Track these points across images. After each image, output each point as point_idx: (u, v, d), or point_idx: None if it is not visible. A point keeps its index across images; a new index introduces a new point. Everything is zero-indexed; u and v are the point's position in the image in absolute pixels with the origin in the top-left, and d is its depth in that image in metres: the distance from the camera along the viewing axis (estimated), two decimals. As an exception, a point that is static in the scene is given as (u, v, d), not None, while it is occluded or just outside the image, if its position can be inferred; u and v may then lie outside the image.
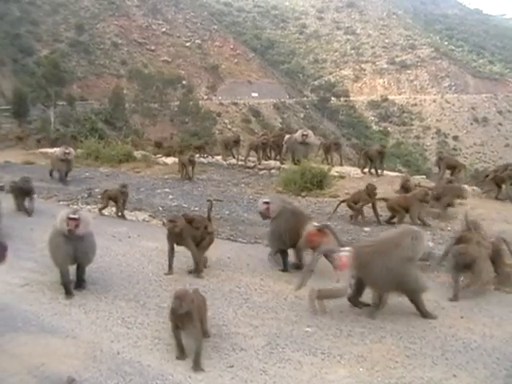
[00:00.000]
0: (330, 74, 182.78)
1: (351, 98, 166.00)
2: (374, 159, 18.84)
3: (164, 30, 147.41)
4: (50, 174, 20.27)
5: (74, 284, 9.29)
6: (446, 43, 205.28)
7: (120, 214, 14.70)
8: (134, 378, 6.60)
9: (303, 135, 19.73)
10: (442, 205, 14.29)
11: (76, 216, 9.03)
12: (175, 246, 10.28)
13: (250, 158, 21.64)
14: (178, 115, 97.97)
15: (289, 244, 10.59)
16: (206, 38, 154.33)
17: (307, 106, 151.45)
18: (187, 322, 6.95)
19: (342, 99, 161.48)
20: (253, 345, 7.41)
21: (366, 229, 13.12)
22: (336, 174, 18.65)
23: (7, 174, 21.29)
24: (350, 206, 14.12)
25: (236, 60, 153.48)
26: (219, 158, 22.71)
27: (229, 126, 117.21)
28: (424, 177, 19.06)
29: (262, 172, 20.45)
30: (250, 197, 16.57)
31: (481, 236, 9.64)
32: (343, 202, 14.33)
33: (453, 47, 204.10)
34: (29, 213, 14.79)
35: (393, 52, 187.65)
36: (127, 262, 10.72)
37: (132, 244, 11.73)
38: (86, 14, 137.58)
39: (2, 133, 39.12)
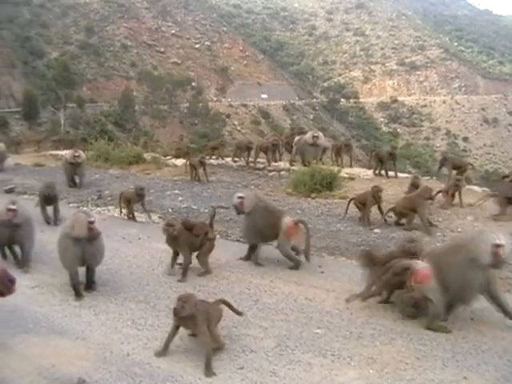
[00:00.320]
0: (340, 75, 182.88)
1: (361, 100, 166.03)
2: (384, 161, 18.80)
3: (173, 31, 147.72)
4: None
5: (83, 286, 9.31)
6: (456, 44, 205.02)
7: (131, 215, 14.68)
8: (144, 379, 6.60)
9: (314, 137, 19.67)
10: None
11: (93, 219, 9.15)
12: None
13: (260, 160, 21.61)
14: (187, 117, 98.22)
15: (263, 239, 10.98)
16: (216, 40, 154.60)
17: (317, 108, 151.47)
18: (191, 325, 7.05)
19: (351, 101, 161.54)
20: (263, 346, 7.40)
21: (376, 230, 13.09)
22: (346, 175, 18.60)
23: (17, 175, 21.37)
24: (357, 206, 14.11)
25: (245, 62, 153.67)
26: (229, 159, 22.68)
27: (238, 128, 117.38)
28: (434, 178, 18.97)
29: (271, 173, 20.41)
30: (260, 198, 16.57)
31: None
32: (352, 199, 14.32)
33: (462, 48, 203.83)
34: (50, 222, 13.93)
35: (402, 53, 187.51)
36: (137, 264, 10.73)
37: (142, 246, 11.74)
38: (96, 16, 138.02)
39: (12, 135, 39.18)
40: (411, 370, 6.78)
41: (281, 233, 10.59)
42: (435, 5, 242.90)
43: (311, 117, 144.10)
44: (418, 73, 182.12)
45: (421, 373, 6.73)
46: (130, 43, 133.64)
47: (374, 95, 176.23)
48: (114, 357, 7.13)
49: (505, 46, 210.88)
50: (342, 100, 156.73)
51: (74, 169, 19.01)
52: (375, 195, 13.83)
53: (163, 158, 24.18)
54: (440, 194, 15.10)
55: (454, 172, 18.03)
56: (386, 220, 13.85)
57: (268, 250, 11.50)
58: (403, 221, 13.68)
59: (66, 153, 21.89)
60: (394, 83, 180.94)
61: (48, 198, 13.95)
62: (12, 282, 5.99)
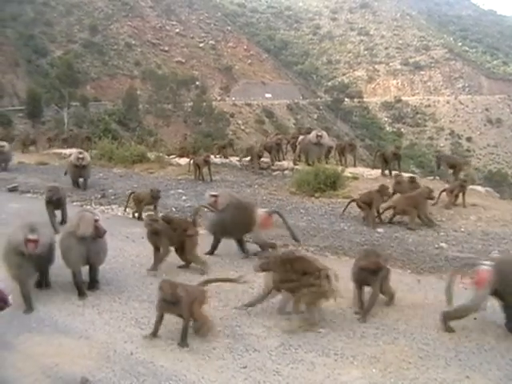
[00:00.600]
0: (344, 74, 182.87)
1: (365, 99, 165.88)
2: (389, 161, 18.81)
3: (178, 30, 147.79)
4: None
5: (87, 285, 9.32)
6: (460, 44, 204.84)
7: (139, 216, 14.63)
8: (148, 378, 6.61)
9: (317, 136, 19.67)
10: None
11: (98, 217, 9.16)
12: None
13: (263, 159, 21.60)
14: (191, 116, 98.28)
15: (234, 234, 11.32)
16: (220, 39, 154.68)
17: (321, 107, 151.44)
18: (176, 309, 7.46)
19: (355, 100, 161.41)
20: (266, 346, 7.41)
21: (380, 230, 13.09)
22: (349, 175, 18.60)
23: (21, 174, 21.40)
24: (360, 206, 14.09)
25: (249, 61, 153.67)
26: (233, 159, 22.68)
27: (242, 127, 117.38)
28: (438, 177, 18.97)
29: (275, 173, 20.42)
30: (264, 197, 16.55)
31: None
32: (353, 201, 14.31)
33: (467, 48, 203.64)
34: (57, 230, 12.17)
35: (406, 53, 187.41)
36: (141, 263, 10.73)
37: (146, 245, 11.71)
38: (100, 14, 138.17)
39: (15, 133, 38.94)
40: (414, 370, 6.79)
41: (256, 225, 11.02)
42: (439, 5, 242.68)
43: (315, 116, 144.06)
44: (422, 73, 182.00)
45: (424, 372, 6.74)
46: (134, 42, 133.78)
47: (378, 95, 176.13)
48: (117, 356, 7.14)
49: (509, 46, 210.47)
50: (346, 99, 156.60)
51: (78, 171, 18.42)
52: (383, 193, 13.81)
53: (167, 157, 24.18)
54: (444, 194, 15.09)
55: (451, 171, 18.11)
56: (381, 219, 13.87)
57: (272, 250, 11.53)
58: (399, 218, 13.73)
59: (70, 151, 21.87)
60: (398, 83, 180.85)
61: (53, 202, 13.41)
62: (5, 301, 6.11)
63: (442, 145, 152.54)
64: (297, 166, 19.99)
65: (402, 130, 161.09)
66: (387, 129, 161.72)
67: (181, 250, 10.56)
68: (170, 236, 10.34)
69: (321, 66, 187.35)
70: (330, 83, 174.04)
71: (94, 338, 7.60)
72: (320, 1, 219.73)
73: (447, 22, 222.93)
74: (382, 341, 7.54)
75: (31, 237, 8.36)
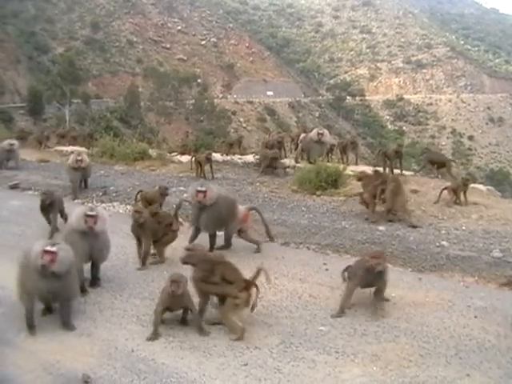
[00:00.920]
0: (346, 72, 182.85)
1: (367, 97, 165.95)
2: (391, 159, 18.79)
3: (179, 28, 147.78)
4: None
5: (88, 282, 9.33)
6: (462, 42, 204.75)
7: None
8: (149, 375, 6.64)
9: (319, 134, 19.65)
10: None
11: (94, 213, 9.11)
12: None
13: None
14: (193, 114, 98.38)
15: (222, 227, 11.45)
16: (222, 37, 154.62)
17: (322, 105, 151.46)
18: (181, 303, 7.68)
19: (357, 98, 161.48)
20: (267, 343, 7.43)
21: (381, 228, 13.08)
22: (351, 173, 18.58)
23: (22, 171, 21.37)
24: (365, 201, 14.13)
25: (251, 58, 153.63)
26: (234, 156, 22.66)
27: (244, 125, 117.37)
28: (439, 176, 18.94)
29: (276, 170, 20.42)
30: (265, 195, 16.52)
31: None
32: (361, 194, 14.37)
33: (469, 47, 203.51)
34: (56, 230, 12.57)
35: (409, 51, 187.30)
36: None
37: (147, 242, 11.76)
38: (102, 11, 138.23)
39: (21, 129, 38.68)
40: (415, 368, 6.81)
41: (236, 219, 11.28)
42: (442, 3, 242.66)
43: (317, 114, 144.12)
44: (424, 71, 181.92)
45: (424, 370, 6.76)
46: (135, 39, 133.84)
47: (380, 93, 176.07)
48: (118, 353, 7.17)
49: (511, 44, 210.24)
50: (348, 98, 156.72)
51: (78, 174, 17.38)
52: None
53: (169, 154, 24.16)
54: (445, 192, 15.09)
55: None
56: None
57: (272, 247, 11.55)
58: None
59: (72, 149, 21.78)
60: (400, 81, 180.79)
61: (45, 206, 12.78)
62: None
63: (443, 143, 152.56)
64: (298, 164, 19.97)
65: (404, 128, 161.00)
66: (389, 127, 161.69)
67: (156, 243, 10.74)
68: (155, 229, 10.48)
69: (323, 63, 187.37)
70: (331, 81, 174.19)
71: (96, 336, 7.63)
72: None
73: (449, 21, 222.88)
74: (382, 339, 7.56)
75: (49, 248, 7.60)
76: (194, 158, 20.04)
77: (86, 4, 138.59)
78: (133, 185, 17.97)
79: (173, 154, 24.21)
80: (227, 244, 11.47)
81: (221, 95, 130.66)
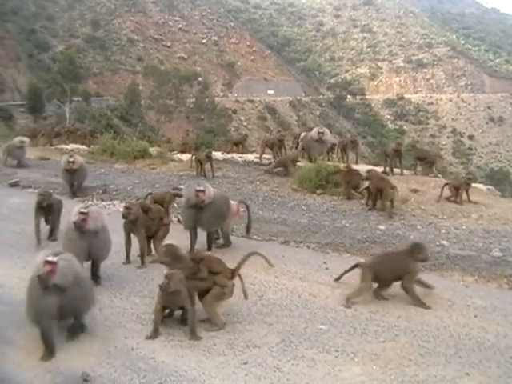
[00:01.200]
0: (347, 71, 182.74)
1: (367, 97, 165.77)
2: (390, 157, 18.81)
3: (180, 26, 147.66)
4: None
5: (88, 280, 9.32)
6: (463, 42, 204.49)
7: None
8: (148, 374, 6.64)
9: (319, 133, 19.65)
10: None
11: (85, 211, 9.11)
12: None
13: (265, 156, 21.61)
14: (193, 112, 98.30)
15: (222, 224, 11.63)
16: (223, 35, 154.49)
17: (323, 104, 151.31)
18: (177, 301, 7.61)
19: (358, 97, 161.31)
20: (267, 342, 7.44)
21: (381, 227, 13.09)
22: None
23: (22, 169, 21.39)
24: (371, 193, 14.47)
25: (252, 57, 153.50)
26: (235, 155, 22.67)
27: (244, 124, 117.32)
28: (440, 176, 18.98)
29: (277, 169, 20.42)
30: (265, 194, 16.53)
31: None
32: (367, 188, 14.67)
33: (469, 46, 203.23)
34: (40, 240, 11.68)
35: (409, 50, 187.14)
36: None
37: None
38: (102, 9, 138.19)
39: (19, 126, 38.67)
40: (414, 366, 6.83)
41: (229, 214, 11.49)
42: (443, 2, 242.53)
43: (317, 113, 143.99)
44: (425, 70, 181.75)
45: (424, 369, 6.77)
46: (136, 37, 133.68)
47: (381, 92, 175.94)
48: (118, 351, 7.17)
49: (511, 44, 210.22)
50: (349, 96, 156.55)
51: (70, 176, 17.00)
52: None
53: (169, 152, 24.17)
54: (446, 188, 15.12)
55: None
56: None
57: (273, 247, 11.56)
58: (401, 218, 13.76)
59: (72, 147, 21.78)
60: (400, 80, 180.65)
61: (43, 209, 12.06)
62: None
63: (444, 142, 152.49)
64: (299, 163, 19.97)
65: (404, 127, 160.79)
66: (389, 126, 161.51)
67: (151, 238, 10.87)
68: (148, 225, 10.58)
69: (323, 62, 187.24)
70: (332, 80, 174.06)
71: (95, 334, 7.62)
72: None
73: (450, 20, 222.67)
74: (382, 338, 7.57)
75: (50, 259, 7.01)
76: (194, 157, 20.04)
77: (86, 2, 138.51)
78: (133, 183, 18.00)
79: (173, 152, 24.23)
80: (227, 242, 11.48)
81: (221, 94, 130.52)
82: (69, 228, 9.31)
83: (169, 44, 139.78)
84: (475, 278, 9.79)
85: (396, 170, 18.38)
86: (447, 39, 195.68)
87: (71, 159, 16.63)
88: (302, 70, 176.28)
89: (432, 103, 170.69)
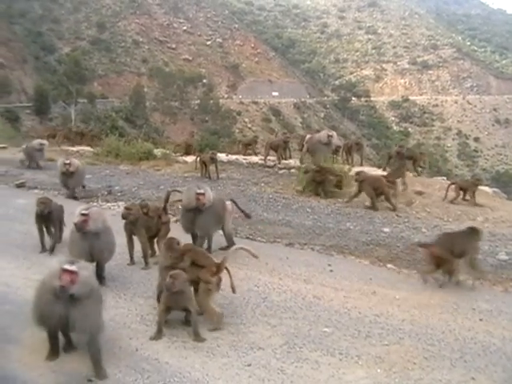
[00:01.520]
0: (351, 73, 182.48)
1: (372, 98, 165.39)
2: (394, 160, 18.82)
3: (185, 28, 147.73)
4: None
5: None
6: (469, 43, 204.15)
7: None
8: (152, 375, 6.63)
9: (329, 136, 19.51)
10: None
11: (86, 212, 9.11)
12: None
13: (270, 158, 21.63)
14: (198, 114, 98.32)
15: (220, 227, 11.62)
16: (227, 37, 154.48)
17: (328, 106, 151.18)
18: (181, 301, 7.56)
19: (362, 99, 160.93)
20: (270, 344, 7.42)
21: (386, 229, 13.08)
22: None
23: (28, 170, 21.47)
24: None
25: (257, 59, 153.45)
26: (239, 156, 22.70)
27: (249, 125, 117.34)
28: (445, 178, 18.99)
29: (281, 171, 20.41)
30: (270, 196, 16.53)
31: None
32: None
33: (475, 48, 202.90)
34: (45, 249, 11.35)
35: (414, 52, 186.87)
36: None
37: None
38: (108, 12, 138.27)
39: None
40: (419, 370, 6.79)
41: (227, 214, 11.49)
42: (448, 4, 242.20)
43: (322, 115, 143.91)
44: (430, 72, 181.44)
45: (428, 373, 6.74)
46: (141, 39, 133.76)
47: (386, 94, 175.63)
48: (122, 352, 7.17)
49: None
50: (353, 98, 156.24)
51: (66, 178, 16.89)
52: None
53: (174, 154, 24.23)
54: (452, 187, 15.17)
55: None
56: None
57: (278, 249, 11.55)
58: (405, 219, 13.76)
59: (79, 149, 21.84)
60: (405, 82, 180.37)
61: (43, 217, 11.45)
62: None
63: (449, 145, 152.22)
64: (303, 165, 19.95)
65: (409, 129, 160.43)
66: (394, 128, 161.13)
67: (154, 238, 10.92)
68: (148, 225, 10.59)
69: (328, 64, 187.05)
70: (337, 82, 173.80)
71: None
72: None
73: (456, 21, 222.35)
74: (387, 341, 7.55)
75: (68, 267, 6.53)
76: (198, 158, 20.08)
77: (92, 4, 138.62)
78: (138, 184, 18.04)
79: (178, 153, 24.29)
80: (230, 243, 11.35)
81: (226, 95, 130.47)
82: (72, 230, 9.32)
83: (173, 46, 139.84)
84: (481, 281, 9.75)
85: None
86: (453, 40, 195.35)
87: (67, 161, 16.62)
88: (306, 71, 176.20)
89: (437, 105, 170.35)
